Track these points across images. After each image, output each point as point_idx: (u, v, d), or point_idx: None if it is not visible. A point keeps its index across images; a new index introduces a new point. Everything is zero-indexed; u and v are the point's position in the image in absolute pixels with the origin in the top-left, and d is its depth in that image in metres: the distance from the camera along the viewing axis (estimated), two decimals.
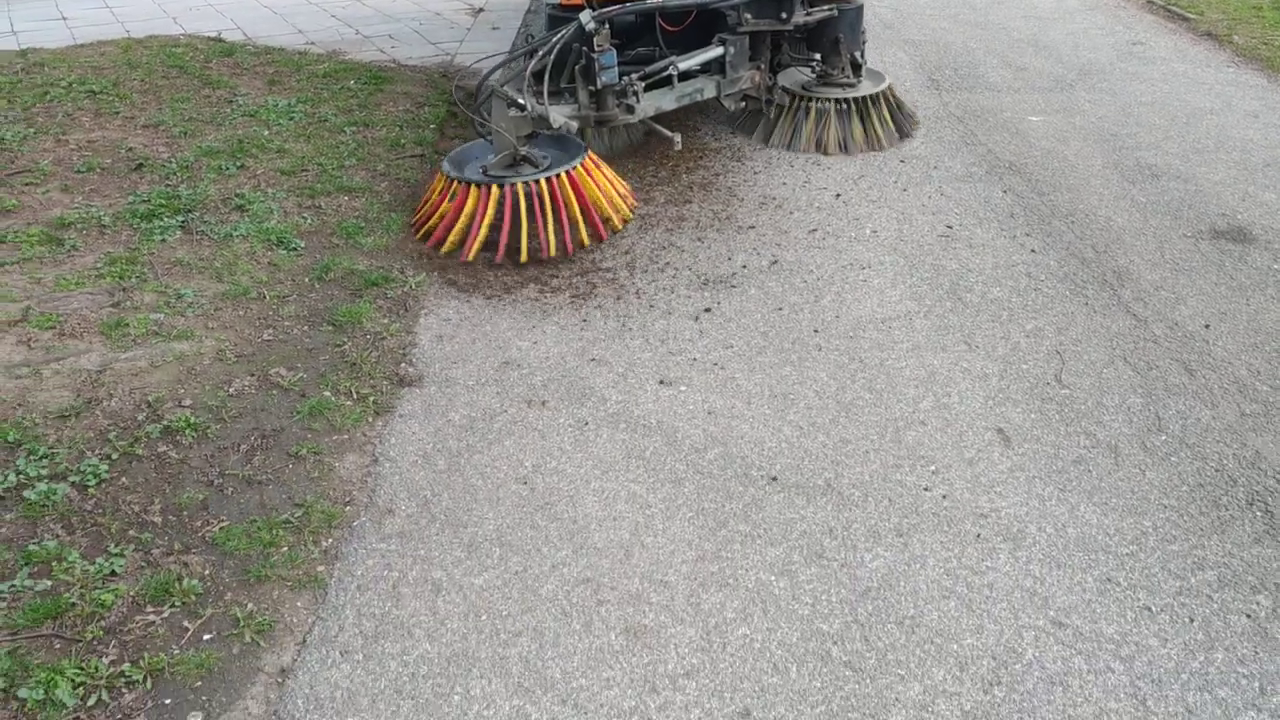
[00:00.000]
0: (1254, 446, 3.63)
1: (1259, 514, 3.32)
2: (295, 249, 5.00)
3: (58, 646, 2.83)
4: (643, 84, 5.34)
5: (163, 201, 5.42)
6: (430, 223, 5.09)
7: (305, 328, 4.36)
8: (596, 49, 5.09)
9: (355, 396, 3.91)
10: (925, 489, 3.44)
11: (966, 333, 4.35)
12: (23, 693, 2.68)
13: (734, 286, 4.75)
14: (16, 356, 4.10)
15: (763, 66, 6.05)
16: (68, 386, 3.92)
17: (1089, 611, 2.95)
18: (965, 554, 3.16)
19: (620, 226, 5.23)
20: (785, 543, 3.21)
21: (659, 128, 5.51)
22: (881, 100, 6.37)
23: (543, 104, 4.96)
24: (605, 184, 5.18)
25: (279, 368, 4.05)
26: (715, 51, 5.71)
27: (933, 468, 3.54)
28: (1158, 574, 3.08)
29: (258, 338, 4.27)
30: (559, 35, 5.09)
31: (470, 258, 4.88)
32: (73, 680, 2.71)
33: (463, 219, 4.92)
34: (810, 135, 6.27)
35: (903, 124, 6.51)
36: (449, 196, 4.99)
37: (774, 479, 3.49)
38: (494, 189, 4.89)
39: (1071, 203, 5.61)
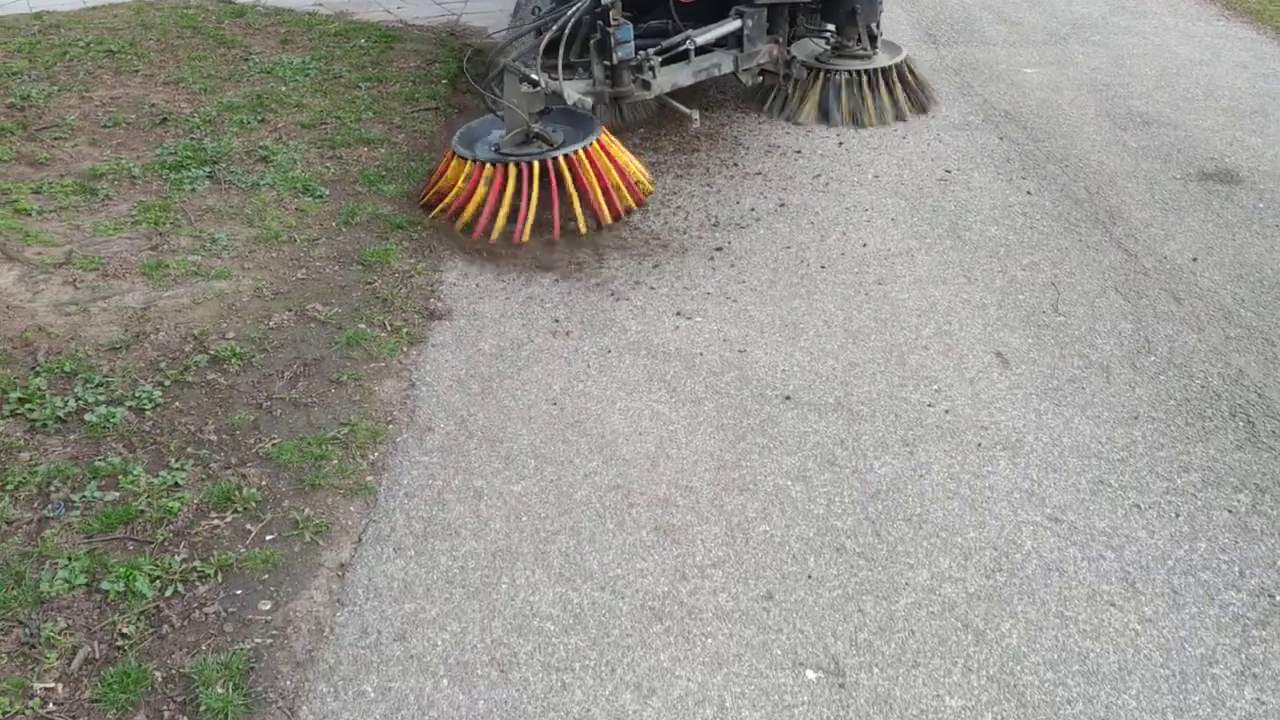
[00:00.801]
0: (1237, 365, 3.87)
1: (1241, 424, 3.57)
2: (321, 196, 5.20)
3: (131, 548, 3.07)
4: (659, 59, 5.19)
5: (189, 154, 5.61)
6: (447, 200, 4.98)
7: (336, 267, 4.57)
8: (613, 23, 4.94)
9: (389, 329, 4.13)
10: (929, 405, 3.68)
11: (966, 267, 4.58)
12: (105, 585, 2.91)
13: (744, 227, 4.97)
14: (64, 295, 4.31)
15: (780, 40, 5.90)
16: (116, 322, 4.13)
17: (1083, 509, 3.20)
18: (967, 461, 3.40)
19: (638, 205, 5.11)
20: (800, 452, 3.45)
21: (676, 104, 5.38)
22: (900, 71, 6.21)
23: (556, 79, 4.82)
24: (614, 166, 4.99)
25: (314, 303, 4.27)
26: (733, 25, 5.56)
27: (936, 387, 3.78)
28: (1146, 476, 3.33)
29: (292, 277, 4.49)
30: (574, 9, 4.95)
31: (494, 238, 4.80)
32: (149, 575, 2.94)
33: (476, 197, 4.82)
34: (828, 108, 6.14)
35: (922, 94, 6.34)
36: (464, 177, 4.89)
37: (788, 398, 3.73)
38: (512, 166, 4.77)
39: (1065, 148, 5.83)
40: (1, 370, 3.82)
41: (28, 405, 3.63)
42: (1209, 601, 2.86)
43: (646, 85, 5.19)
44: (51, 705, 2.59)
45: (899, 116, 6.21)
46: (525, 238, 4.75)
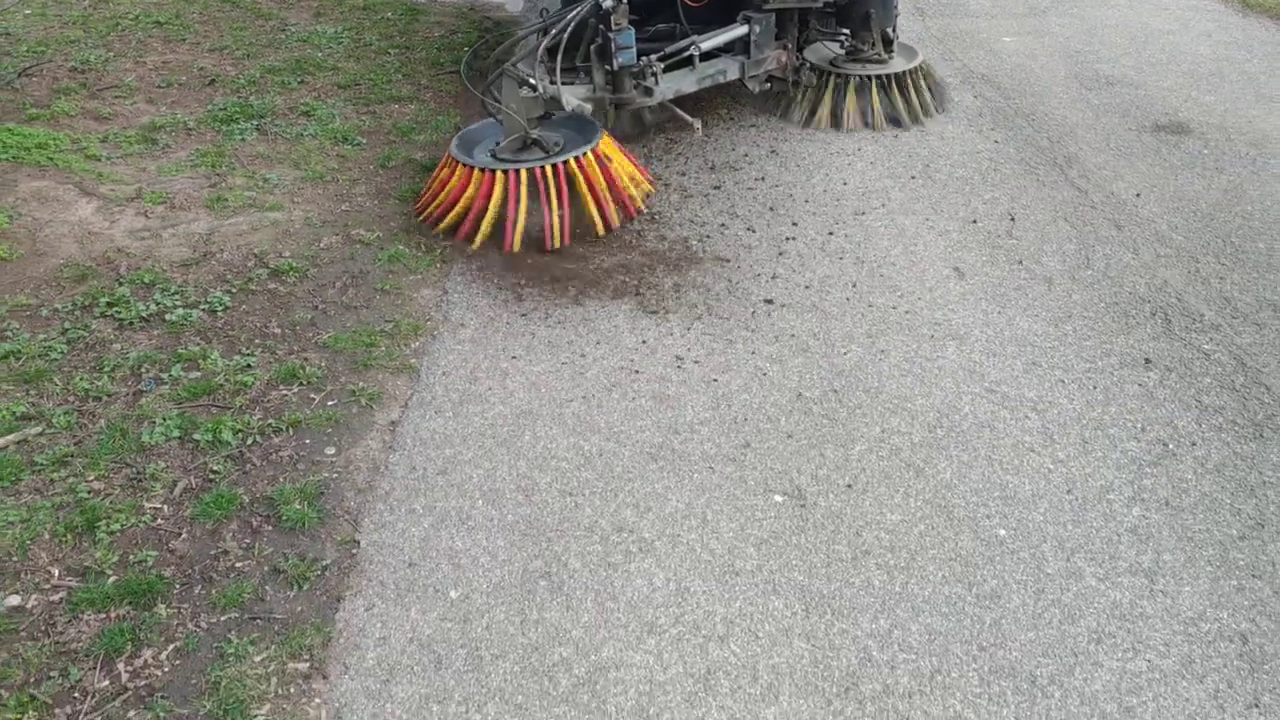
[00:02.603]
0: (1163, 277, 4.46)
1: (1160, 321, 4.15)
2: (359, 144, 5.82)
3: (214, 411, 3.68)
4: (662, 65, 5.10)
5: (238, 109, 6.22)
6: (449, 211, 4.82)
7: (376, 202, 5.18)
8: (614, 27, 4.85)
9: (424, 249, 4.74)
10: (892, 307, 4.28)
11: (934, 201, 5.17)
12: (196, 436, 3.53)
13: (737, 170, 5.56)
14: (138, 224, 4.93)
15: (789, 46, 5.76)
16: (185, 245, 4.75)
17: (1015, 383, 3.79)
18: (921, 348, 4.00)
19: (638, 212, 5.03)
20: (778, 343, 4.05)
21: (679, 111, 5.33)
22: (917, 76, 6.10)
23: (555, 84, 4.75)
24: (605, 178, 4.85)
25: (359, 229, 4.88)
26: (739, 30, 5.44)
27: (899, 294, 4.37)
28: (1073, 359, 3.92)
29: (337, 209, 5.10)
30: (574, 12, 4.82)
31: (513, 249, 4.69)
32: (232, 429, 3.55)
33: (488, 205, 4.69)
34: (844, 112, 6.03)
35: (940, 99, 6.28)
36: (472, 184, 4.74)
37: (769, 301, 4.33)
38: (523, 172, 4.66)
39: (1033, 105, 6.40)
40: (90, 282, 4.43)
41: (115, 308, 4.24)
42: (1112, 448, 3.45)
43: (649, 92, 5.11)
44: (159, 520, 3.21)
45: (920, 120, 6.10)
46: (556, 243, 4.69)
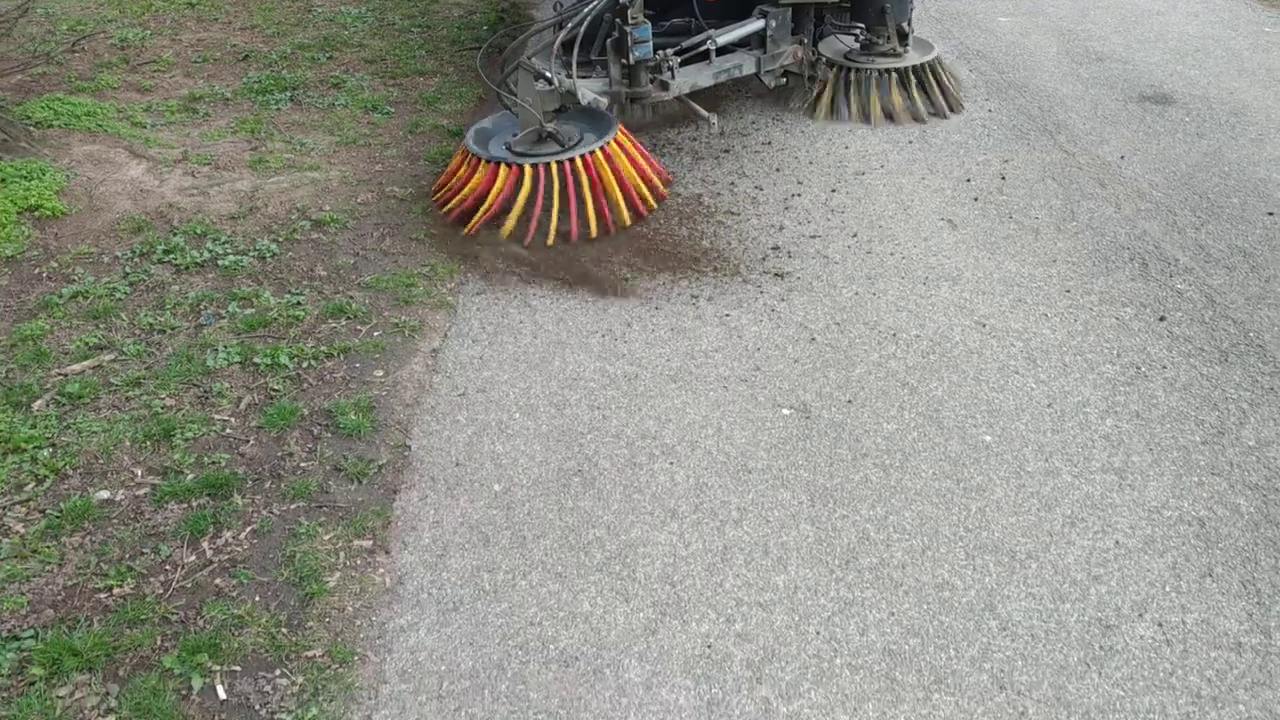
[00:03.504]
0: (1142, 228, 4.81)
1: (1137, 266, 4.50)
2: (388, 113, 6.17)
3: (271, 340, 4.04)
4: (678, 59, 5.13)
5: (271, 82, 6.58)
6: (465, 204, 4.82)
7: (407, 163, 5.54)
8: (630, 21, 4.88)
9: None
10: (890, 254, 4.63)
11: (930, 163, 5.52)
12: (256, 360, 3.89)
13: (746, 135, 5.91)
14: (186, 182, 5.29)
15: (805, 41, 5.78)
16: (231, 200, 5.11)
17: (1002, 316, 4.15)
18: (915, 288, 4.35)
19: (655, 206, 5.00)
20: (783, 284, 4.41)
21: (694, 106, 5.39)
22: (931, 70, 6.07)
23: (571, 77, 4.77)
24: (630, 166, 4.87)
25: (392, 186, 5.24)
26: (756, 25, 5.49)
27: (896, 242, 4.73)
28: (1056, 297, 4.27)
29: (371, 169, 5.46)
30: (591, 6, 4.88)
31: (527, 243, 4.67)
32: (289, 354, 3.91)
33: (517, 200, 4.69)
34: (858, 107, 6.04)
35: (954, 94, 6.19)
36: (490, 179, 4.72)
37: (776, 248, 4.68)
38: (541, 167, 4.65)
39: (1026, 78, 6.75)
40: (146, 233, 4.79)
41: (171, 255, 4.60)
42: (1089, 371, 3.81)
43: (665, 86, 5.16)
44: (229, 430, 3.57)
45: (937, 114, 6.07)
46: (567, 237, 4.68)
